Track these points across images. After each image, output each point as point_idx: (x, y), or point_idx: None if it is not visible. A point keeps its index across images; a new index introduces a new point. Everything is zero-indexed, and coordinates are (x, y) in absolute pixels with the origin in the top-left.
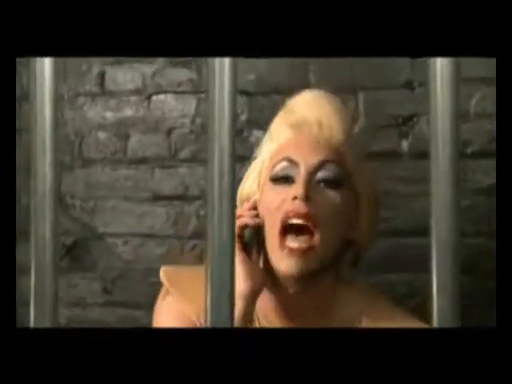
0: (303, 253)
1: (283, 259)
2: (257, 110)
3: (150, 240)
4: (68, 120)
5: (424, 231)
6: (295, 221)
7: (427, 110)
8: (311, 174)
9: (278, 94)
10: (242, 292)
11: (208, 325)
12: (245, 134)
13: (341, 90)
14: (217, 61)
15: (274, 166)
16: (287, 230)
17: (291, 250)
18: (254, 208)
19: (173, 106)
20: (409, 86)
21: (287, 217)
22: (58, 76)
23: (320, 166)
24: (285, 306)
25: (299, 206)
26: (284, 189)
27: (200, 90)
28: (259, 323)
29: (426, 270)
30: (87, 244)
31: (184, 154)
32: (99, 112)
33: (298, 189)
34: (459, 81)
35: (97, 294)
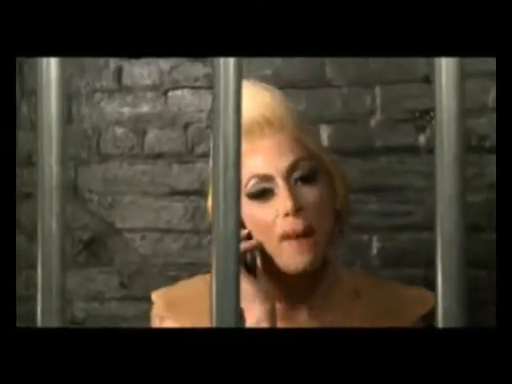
0: (311, 247)
1: (292, 258)
2: None
3: (167, 235)
4: (85, 116)
5: None
6: (296, 238)
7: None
8: (289, 180)
9: (294, 88)
10: (265, 316)
11: (214, 314)
12: None
13: (358, 84)
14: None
15: (245, 184)
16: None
17: (298, 247)
18: (242, 226)
19: (189, 101)
20: (426, 80)
21: (287, 235)
22: (65, 70)
23: (292, 168)
24: (292, 298)
25: (294, 222)
26: (267, 204)
27: None
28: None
29: None
30: (105, 239)
31: (201, 149)
32: (116, 108)
33: (285, 204)
34: (463, 77)
35: (114, 289)
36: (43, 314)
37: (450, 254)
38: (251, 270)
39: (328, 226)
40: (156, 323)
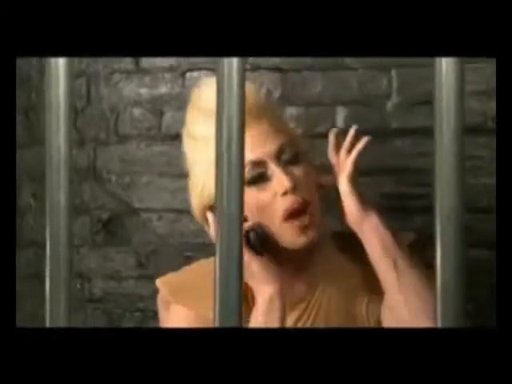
0: (310, 223)
1: (297, 237)
2: (290, 87)
3: (183, 215)
4: (104, 97)
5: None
6: (296, 216)
7: None
8: (279, 162)
9: (311, 70)
10: (276, 294)
11: (217, 295)
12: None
13: (374, 67)
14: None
15: None
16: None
17: (300, 226)
18: None
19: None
20: None
21: (289, 213)
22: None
23: (280, 152)
24: (291, 273)
25: (293, 199)
26: (264, 187)
27: None
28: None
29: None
30: (123, 219)
31: None
32: (134, 89)
33: (283, 184)
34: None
35: (131, 268)
36: (51, 288)
37: (448, 232)
38: (256, 250)
39: (317, 200)
40: (162, 309)
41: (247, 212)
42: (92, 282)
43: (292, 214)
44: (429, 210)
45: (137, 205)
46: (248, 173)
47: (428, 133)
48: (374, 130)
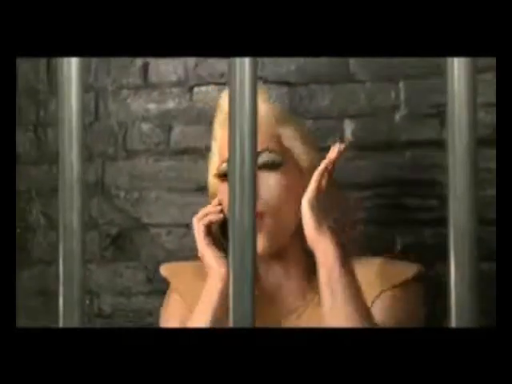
0: (262, 231)
1: None
2: (297, 100)
3: (192, 230)
4: (112, 112)
5: None
6: None
7: None
8: None
9: (318, 83)
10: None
11: (231, 311)
12: None
13: (381, 79)
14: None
15: (218, 168)
16: None
17: None
18: (220, 204)
19: (214, 97)
20: None
21: None
22: (85, 68)
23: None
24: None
25: None
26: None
27: None
28: None
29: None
30: (131, 234)
31: None
32: (142, 104)
33: None
34: (475, 70)
35: (141, 283)
36: (65, 307)
37: (462, 249)
38: (216, 240)
39: (289, 212)
40: (168, 292)
41: (224, 205)
42: (101, 298)
43: None
44: (438, 222)
45: (145, 220)
46: (223, 169)
47: (437, 144)
48: (383, 143)
